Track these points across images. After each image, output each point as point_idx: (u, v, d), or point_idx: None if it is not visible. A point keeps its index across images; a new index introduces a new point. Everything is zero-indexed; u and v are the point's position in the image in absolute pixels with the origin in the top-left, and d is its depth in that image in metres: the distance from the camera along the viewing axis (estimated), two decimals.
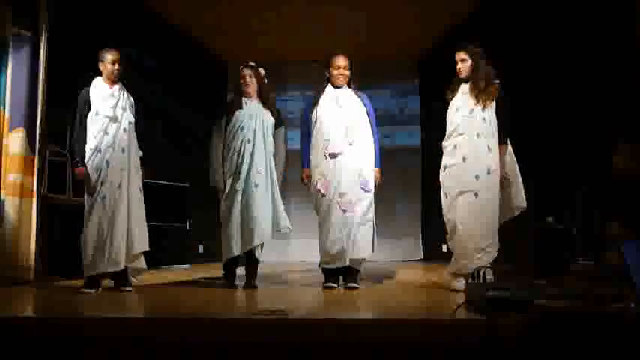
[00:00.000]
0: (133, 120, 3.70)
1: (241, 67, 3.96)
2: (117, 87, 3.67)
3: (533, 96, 5.04)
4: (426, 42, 7.16)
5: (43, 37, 4.23)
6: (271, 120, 3.91)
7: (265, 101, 3.92)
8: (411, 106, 7.95)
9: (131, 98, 3.74)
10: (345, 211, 3.64)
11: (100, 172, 3.52)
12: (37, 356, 2.26)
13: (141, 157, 3.75)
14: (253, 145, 3.80)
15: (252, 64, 3.95)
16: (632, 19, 4.25)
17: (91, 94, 3.60)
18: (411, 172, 7.72)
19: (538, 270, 4.42)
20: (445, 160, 3.58)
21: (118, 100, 3.63)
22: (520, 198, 3.58)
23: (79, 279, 3.66)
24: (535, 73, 5.09)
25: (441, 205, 3.61)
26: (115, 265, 3.52)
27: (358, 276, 3.75)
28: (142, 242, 3.64)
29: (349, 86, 3.84)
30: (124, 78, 3.74)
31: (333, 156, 3.69)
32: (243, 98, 3.89)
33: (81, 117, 3.58)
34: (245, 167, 3.78)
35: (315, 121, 3.78)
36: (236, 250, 3.75)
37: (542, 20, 5.09)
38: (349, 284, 3.66)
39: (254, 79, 3.90)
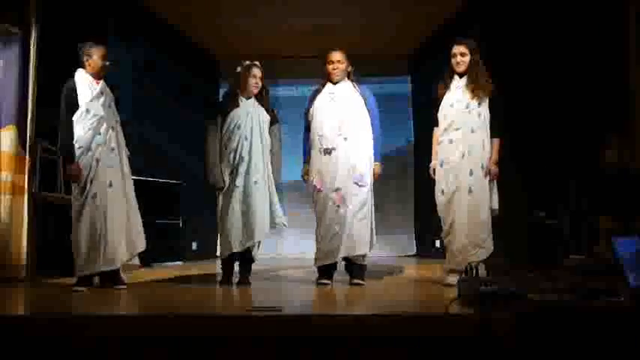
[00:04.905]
0: (119, 117, 3.67)
1: (249, 66, 3.84)
2: (102, 83, 3.60)
3: (524, 92, 5.05)
4: (417, 40, 7.20)
5: (33, 34, 4.20)
6: (267, 117, 3.88)
7: (261, 99, 3.89)
8: (402, 102, 7.96)
9: (112, 94, 3.66)
10: (338, 206, 3.62)
11: (90, 170, 3.48)
12: (29, 355, 2.24)
13: (128, 157, 3.70)
14: (250, 142, 3.77)
15: (258, 64, 3.89)
16: (620, 14, 4.27)
17: (77, 89, 3.52)
18: (404, 168, 7.75)
19: (530, 264, 4.44)
20: (442, 156, 3.57)
21: (105, 97, 3.58)
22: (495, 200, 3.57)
23: (70, 277, 3.63)
24: (526, 69, 5.10)
25: (434, 201, 3.62)
26: (111, 264, 3.49)
27: (364, 272, 3.71)
28: (141, 241, 3.65)
29: (349, 79, 3.82)
30: (107, 74, 3.67)
31: (327, 151, 3.68)
32: (239, 96, 3.85)
33: (67, 111, 3.50)
34: (244, 165, 3.75)
35: (312, 118, 3.78)
36: (235, 246, 3.74)
37: (532, 17, 5.11)
38: (354, 281, 3.64)
39: (261, 81, 3.86)
